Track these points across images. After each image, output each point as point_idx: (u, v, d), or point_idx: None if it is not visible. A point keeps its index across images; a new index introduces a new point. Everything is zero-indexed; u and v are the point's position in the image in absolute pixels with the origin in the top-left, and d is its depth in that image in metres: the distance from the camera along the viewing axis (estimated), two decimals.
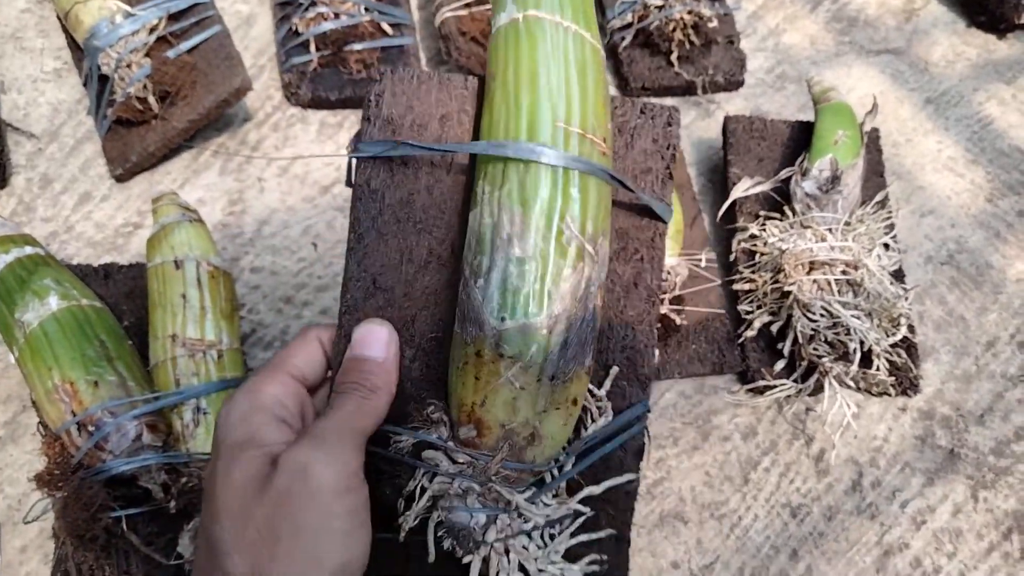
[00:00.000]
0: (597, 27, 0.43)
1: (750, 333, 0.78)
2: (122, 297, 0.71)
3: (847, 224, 0.80)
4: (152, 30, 0.83)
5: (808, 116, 0.90)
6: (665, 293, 0.75)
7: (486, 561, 0.38)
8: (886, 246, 0.82)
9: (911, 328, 0.78)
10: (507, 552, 0.38)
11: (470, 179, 0.43)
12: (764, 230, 0.82)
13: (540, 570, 0.39)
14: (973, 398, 0.79)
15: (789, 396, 0.77)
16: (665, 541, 0.69)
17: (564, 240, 0.37)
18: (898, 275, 0.83)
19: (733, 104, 1.02)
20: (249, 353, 0.75)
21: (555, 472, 0.41)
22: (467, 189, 0.43)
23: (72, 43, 0.89)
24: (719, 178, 0.95)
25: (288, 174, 0.88)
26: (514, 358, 0.37)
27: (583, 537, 0.41)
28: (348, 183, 0.44)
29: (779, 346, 0.76)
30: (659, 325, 0.75)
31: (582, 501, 0.41)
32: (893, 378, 0.73)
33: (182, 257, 0.65)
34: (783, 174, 0.84)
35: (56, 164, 0.85)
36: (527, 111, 0.39)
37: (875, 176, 0.89)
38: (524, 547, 0.39)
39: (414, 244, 0.42)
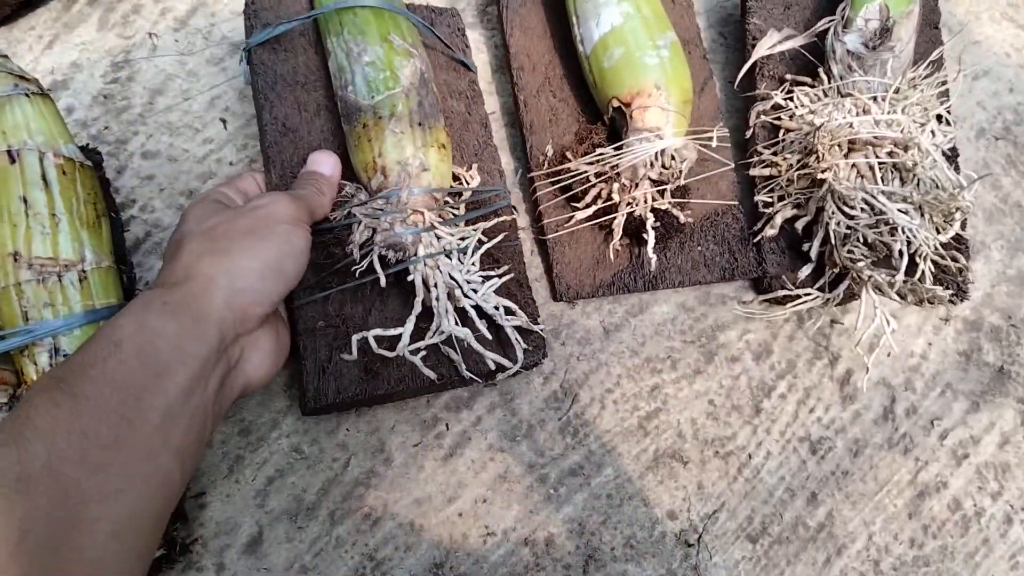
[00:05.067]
0: None
1: (770, 231, 0.63)
2: None
3: (896, 92, 0.63)
4: None
5: None
6: (667, 183, 0.60)
7: (425, 283, 0.51)
8: (939, 118, 0.66)
9: (962, 223, 0.63)
10: (438, 267, 0.51)
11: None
12: (791, 99, 0.66)
13: (467, 280, 0.52)
14: None
15: (812, 308, 0.63)
16: (660, 486, 0.57)
17: (395, 47, 0.55)
18: (951, 155, 0.67)
19: None
20: (143, 264, 0.59)
21: (453, 211, 0.55)
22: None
23: None
24: (734, 31, 0.77)
25: (188, 28, 0.69)
26: (389, 116, 0.52)
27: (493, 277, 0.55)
28: (247, 82, 0.59)
29: (805, 247, 0.62)
30: (657, 223, 0.59)
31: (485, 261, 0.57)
32: (944, 286, 0.60)
33: (18, 146, 0.47)
34: (819, 25, 0.66)
35: None
36: None
37: (928, 28, 0.71)
38: (448, 260, 0.52)
39: (305, 99, 0.58)
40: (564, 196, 0.62)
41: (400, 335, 0.50)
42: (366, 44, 0.55)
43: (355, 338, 0.49)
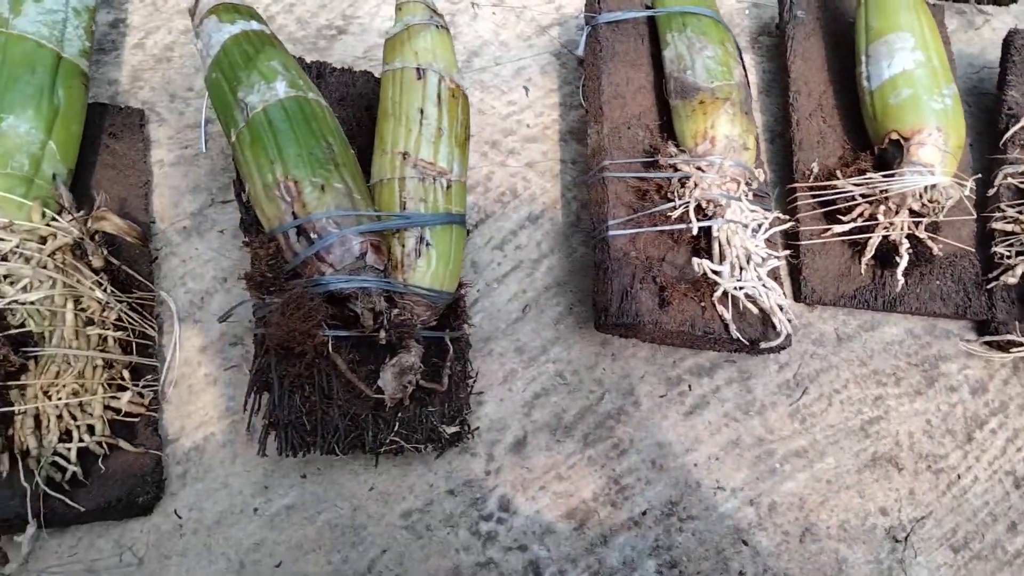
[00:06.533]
0: None
1: (1010, 279, 0.68)
2: (334, 103, 0.64)
3: None
4: None
5: None
6: (925, 216, 0.65)
7: (728, 237, 0.60)
8: None
9: None
10: (736, 233, 0.60)
11: (651, 43, 0.69)
12: None
13: (756, 246, 0.61)
14: None
15: None
16: (875, 484, 0.62)
17: (729, 51, 0.66)
18: None
19: (1001, 20, 0.88)
20: None
21: (750, 194, 0.63)
22: (652, 47, 0.69)
23: None
24: (978, 102, 0.82)
25: (504, 4, 0.78)
26: (725, 99, 0.62)
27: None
28: (581, 51, 0.71)
29: None
30: (911, 249, 0.65)
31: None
32: None
33: (425, 66, 0.57)
34: None
35: None
36: None
37: None
38: (743, 230, 0.61)
39: (632, 76, 0.67)
40: (822, 210, 0.69)
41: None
42: (707, 42, 0.64)
43: (695, 260, 0.58)
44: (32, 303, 0.52)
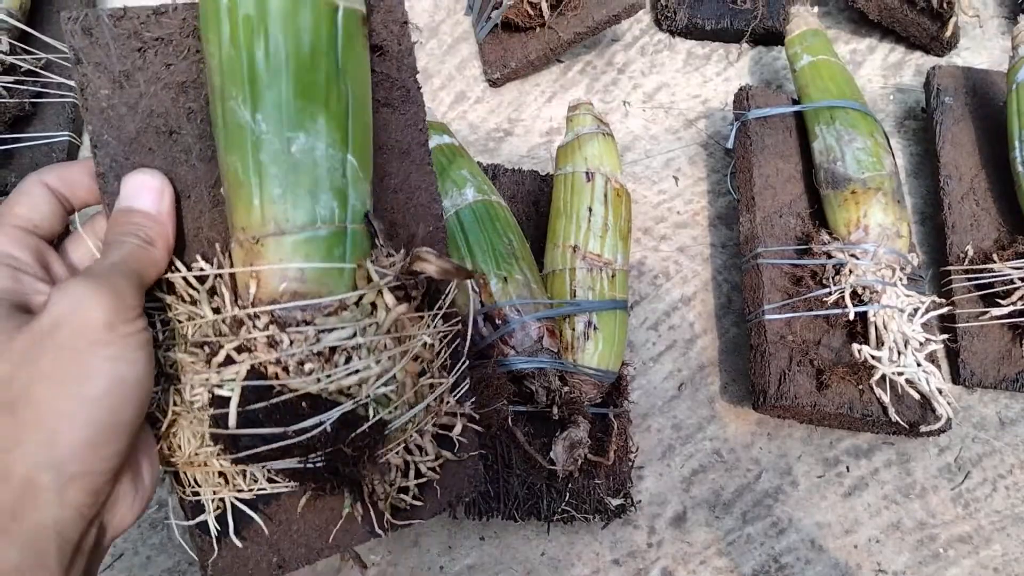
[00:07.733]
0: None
1: None
2: (506, 199, 0.71)
3: None
4: None
5: None
6: None
7: (885, 322, 0.62)
8: None
9: None
10: (893, 318, 0.62)
11: (798, 134, 0.73)
12: None
13: (913, 331, 0.62)
14: None
15: None
16: None
17: (879, 143, 0.68)
18: None
19: None
20: None
21: (904, 279, 0.64)
22: (799, 139, 0.73)
23: None
24: None
25: (653, 101, 0.85)
26: (877, 189, 0.65)
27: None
28: (728, 149, 0.76)
29: None
30: None
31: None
32: None
33: (593, 170, 0.64)
34: None
35: (435, 60, 0.87)
36: (837, 92, 0.71)
37: None
38: (899, 315, 0.62)
39: (781, 167, 0.71)
40: (979, 292, 0.69)
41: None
42: (856, 135, 0.67)
43: (855, 347, 0.61)
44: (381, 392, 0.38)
